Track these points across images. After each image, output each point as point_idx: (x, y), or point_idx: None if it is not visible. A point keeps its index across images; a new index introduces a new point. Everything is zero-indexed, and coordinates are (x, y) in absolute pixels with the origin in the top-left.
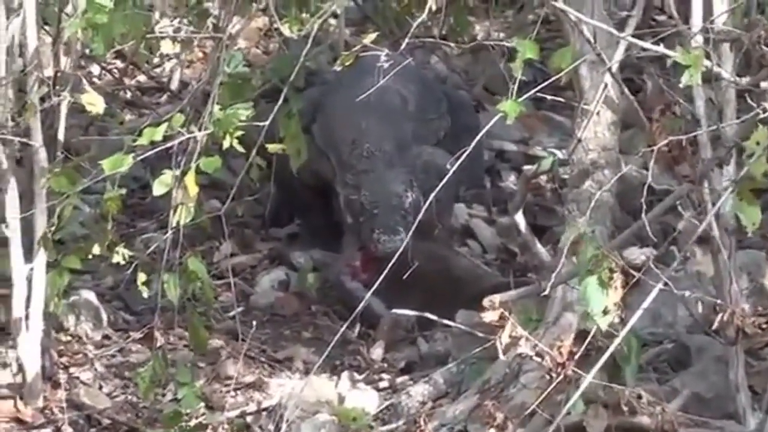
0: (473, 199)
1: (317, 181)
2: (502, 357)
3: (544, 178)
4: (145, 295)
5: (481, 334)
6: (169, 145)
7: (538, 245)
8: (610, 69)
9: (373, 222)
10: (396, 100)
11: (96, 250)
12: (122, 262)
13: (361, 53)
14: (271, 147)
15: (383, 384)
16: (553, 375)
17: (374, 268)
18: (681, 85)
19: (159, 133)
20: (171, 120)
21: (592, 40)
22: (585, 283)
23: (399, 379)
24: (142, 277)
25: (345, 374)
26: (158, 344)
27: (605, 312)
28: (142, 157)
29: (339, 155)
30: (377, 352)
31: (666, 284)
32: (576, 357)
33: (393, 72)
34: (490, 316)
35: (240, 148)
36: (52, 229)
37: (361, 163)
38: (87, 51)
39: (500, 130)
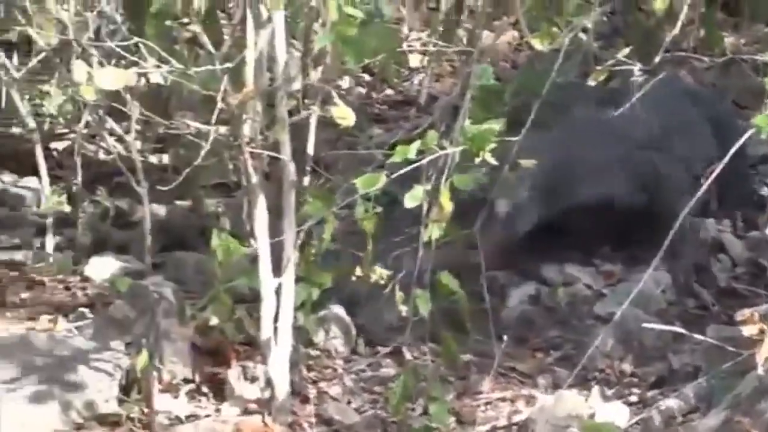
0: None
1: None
2: (760, 371)
3: None
4: (404, 313)
5: (731, 348)
6: (422, 161)
7: None
8: None
9: None
10: None
11: (358, 272)
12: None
13: (612, 68)
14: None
15: (633, 398)
16: None
17: None
18: None
19: (412, 151)
20: (424, 136)
21: None
22: None
23: (649, 393)
24: (400, 296)
25: (595, 388)
26: (407, 359)
27: None
28: (396, 175)
29: None
30: (627, 365)
31: None
32: None
33: None
34: (749, 330)
35: (494, 161)
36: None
37: None
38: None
39: (749, 143)
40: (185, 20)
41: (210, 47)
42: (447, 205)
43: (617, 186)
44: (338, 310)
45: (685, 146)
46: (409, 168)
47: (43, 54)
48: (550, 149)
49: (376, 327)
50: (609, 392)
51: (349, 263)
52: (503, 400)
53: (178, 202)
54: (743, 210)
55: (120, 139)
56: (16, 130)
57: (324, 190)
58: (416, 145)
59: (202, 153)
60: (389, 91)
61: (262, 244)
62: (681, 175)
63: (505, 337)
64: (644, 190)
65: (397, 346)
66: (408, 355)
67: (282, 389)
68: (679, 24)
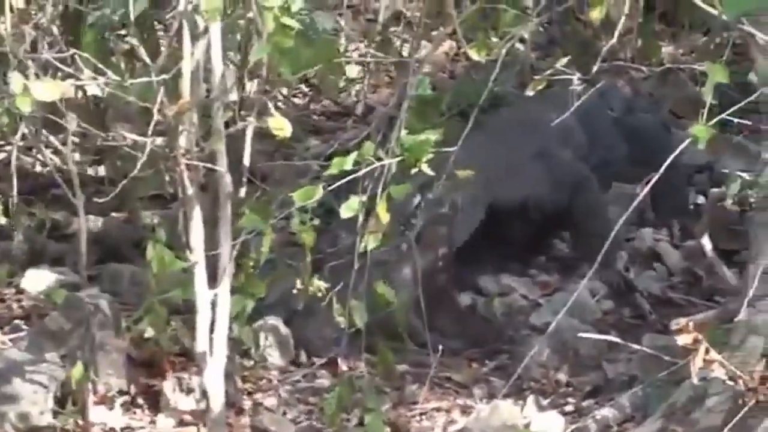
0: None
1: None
2: (694, 380)
3: (729, 201)
4: (342, 326)
5: (667, 357)
6: (359, 174)
7: (724, 268)
8: None
9: None
10: None
11: (298, 284)
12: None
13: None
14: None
15: (569, 408)
16: (745, 399)
17: None
18: None
19: (349, 162)
20: (361, 148)
21: None
22: None
23: (585, 403)
24: (338, 308)
25: (531, 398)
26: (343, 370)
27: None
28: (332, 187)
29: None
30: (562, 375)
31: None
32: None
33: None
34: (683, 339)
35: (430, 172)
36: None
37: None
38: (274, 76)
39: (685, 153)
40: (122, 32)
41: (146, 59)
42: (384, 216)
43: (538, 189)
44: (275, 321)
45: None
46: (346, 179)
47: None
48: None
49: (314, 338)
50: (544, 402)
51: (285, 274)
52: (439, 410)
53: (114, 214)
54: (680, 219)
55: (57, 151)
56: None
57: (261, 202)
58: (353, 156)
59: (139, 165)
60: (327, 102)
61: (197, 255)
62: (604, 180)
63: (440, 347)
64: (565, 194)
65: (333, 357)
66: (343, 366)
67: (217, 401)
68: (616, 34)
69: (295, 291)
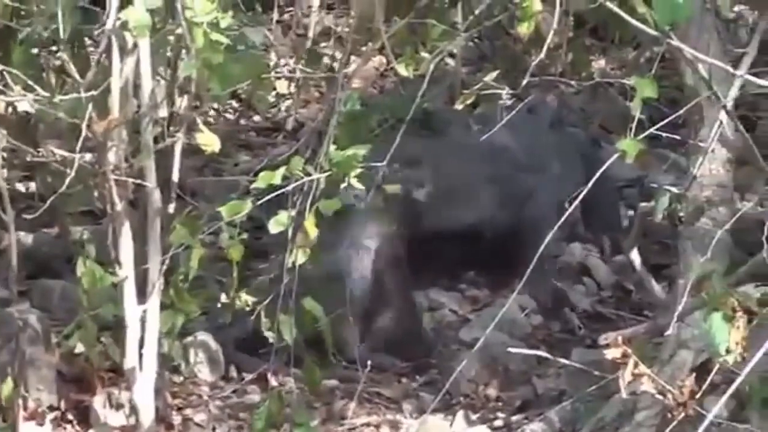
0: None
1: None
2: (624, 395)
3: (659, 215)
4: (272, 341)
5: (596, 372)
6: (288, 188)
7: (653, 282)
8: (725, 106)
9: None
10: None
11: (223, 298)
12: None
13: (480, 92)
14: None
15: (498, 423)
16: (674, 413)
17: None
18: None
19: (277, 177)
20: (289, 163)
21: (707, 77)
22: (710, 320)
23: (514, 418)
24: (266, 323)
25: (460, 413)
26: (272, 385)
27: (728, 351)
28: (261, 202)
29: None
30: (492, 390)
31: None
32: (697, 396)
33: None
34: (612, 354)
35: (360, 186)
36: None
37: None
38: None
39: (614, 167)
40: (53, 48)
41: (76, 75)
42: (312, 230)
43: (483, 210)
44: (205, 336)
45: (550, 170)
46: (274, 194)
47: None
48: (417, 174)
49: (244, 353)
50: (474, 417)
51: (214, 289)
52: (368, 425)
53: (44, 230)
54: (611, 234)
55: None
56: None
57: (190, 218)
58: (281, 171)
59: (68, 180)
60: (257, 118)
61: (126, 271)
62: (546, 198)
63: (369, 362)
64: (511, 214)
65: (263, 372)
66: (273, 382)
67: (147, 416)
68: (545, 48)
69: (219, 305)
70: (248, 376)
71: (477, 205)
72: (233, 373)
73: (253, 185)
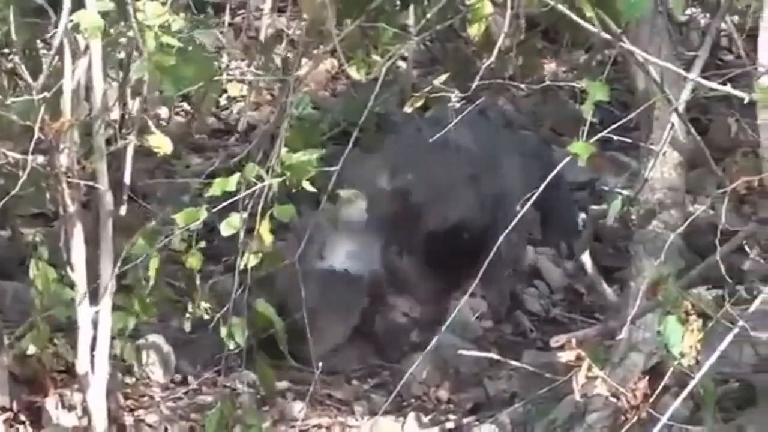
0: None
1: None
2: (577, 397)
3: (611, 219)
4: (231, 345)
5: (547, 374)
6: (242, 195)
7: (605, 285)
8: (676, 109)
9: None
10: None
11: (190, 308)
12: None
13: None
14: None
15: (450, 425)
16: (627, 416)
17: None
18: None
19: (232, 184)
20: (244, 169)
21: (658, 80)
22: (665, 323)
23: (465, 420)
24: (224, 330)
25: (411, 415)
26: (223, 386)
27: (682, 354)
28: (217, 209)
29: None
30: (443, 392)
31: (741, 325)
32: (651, 399)
33: None
34: (566, 356)
35: (312, 189)
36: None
37: None
38: (156, 94)
39: (567, 170)
40: (5, 50)
41: (28, 77)
42: (267, 236)
43: (440, 213)
44: (156, 338)
45: (506, 172)
46: (229, 202)
47: None
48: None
49: (196, 355)
50: (425, 419)
51: (167, 292)
52: (319, 427)
53: None
54: (567, 238)
55: None
56: None
57: (151, 231)
58: (235, 178)
59: (20, 183)
60: (208, 120)
61: (78, 273)
62: (502, 201)
63: (320, 364)
64: (468, 217)
65: (214, 374)
66: (225, 383)
67: (99, 417)
68: (495, 51)
69: (187, 316)
70: (200, 378)
71: (434, 208)
72: (185, 374)
73: (208, 193)
